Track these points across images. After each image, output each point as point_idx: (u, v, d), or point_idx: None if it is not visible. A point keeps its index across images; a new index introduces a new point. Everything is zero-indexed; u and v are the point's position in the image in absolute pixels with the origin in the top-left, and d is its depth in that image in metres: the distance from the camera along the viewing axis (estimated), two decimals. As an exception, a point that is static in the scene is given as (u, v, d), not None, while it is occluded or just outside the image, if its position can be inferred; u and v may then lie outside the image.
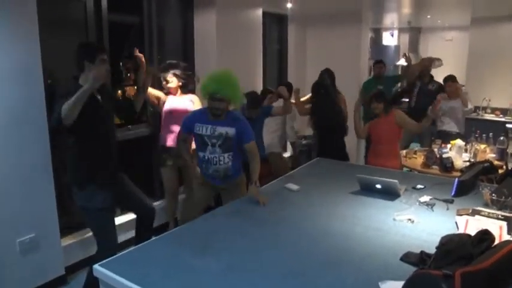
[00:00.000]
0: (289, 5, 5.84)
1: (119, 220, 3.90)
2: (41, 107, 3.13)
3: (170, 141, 4.01)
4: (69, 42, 3.85)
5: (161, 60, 4.52)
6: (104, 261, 1.99)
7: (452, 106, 5.33)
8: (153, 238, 2.42)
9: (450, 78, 5.43)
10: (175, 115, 3.95)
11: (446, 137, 5.15)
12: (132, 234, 3.40)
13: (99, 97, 2.79)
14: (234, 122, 3.04)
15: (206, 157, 3.07)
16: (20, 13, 2.95)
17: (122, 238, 3.63)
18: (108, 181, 2.85)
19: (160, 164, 4.16)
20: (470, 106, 5.38)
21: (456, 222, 2.37)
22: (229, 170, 3.12)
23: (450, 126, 5.40)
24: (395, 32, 10.37)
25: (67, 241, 3.58)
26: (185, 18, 4.84)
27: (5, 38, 2.88)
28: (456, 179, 2.92)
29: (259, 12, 5.35)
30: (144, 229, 3.22)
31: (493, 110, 7.60)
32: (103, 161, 2.84)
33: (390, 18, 8.87)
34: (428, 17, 8.29)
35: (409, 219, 2.46)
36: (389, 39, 10.44)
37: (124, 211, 3.99)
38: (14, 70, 2.95)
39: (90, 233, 3.68)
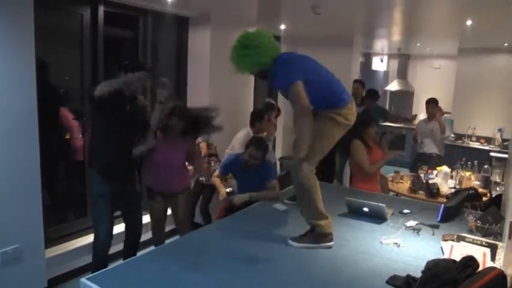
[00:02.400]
0: (282, 27, 5.94)
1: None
2: (33, 117, 3.12)
3: (160, 186, 3.45)
4: (65, 53, 3.91)
5: (154, 75, 4.55)
6: (92, 275, 1.98)
7: (431, 129, 5.50)
8: (143, 252, 2.41)
9: (433, 102, 5.61)
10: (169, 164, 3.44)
11: (428, 160, 5.28)
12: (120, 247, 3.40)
13: (128, 106, 3.08)
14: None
15: None
16: (16, 23, 2.96)
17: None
18: (111, 173, 3.08)
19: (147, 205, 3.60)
20: (448, 133, 5.51)
21: (441, 248, 2.41)
22: None
23: (430, 148, 5.54)
24: (385, 58, 10.56)
25: (51, 253, 3.53)
26: (180, 35, 4.89)
27: (1, 47, 2.89)
28: (442, 205, 2.97)
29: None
30: (130, 244, 3.37)
31: (478, 138, 7.74)
32: (110, 155, 3.07)
33: (380, 44, 9.05)
34: (418, 44, 8.48)
35: (396, 243, 2.49)
36: (378, 65, 10.62)
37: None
38: (7, 81, 2.95)
39: (75, 245, 3.68)
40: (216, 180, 3.75)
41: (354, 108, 2.55)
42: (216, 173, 3.82)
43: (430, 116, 5.62)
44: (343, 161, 5.62)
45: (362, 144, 3.99)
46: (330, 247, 2.43)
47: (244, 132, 4.59)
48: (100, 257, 3.15)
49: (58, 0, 3.62)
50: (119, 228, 3.50)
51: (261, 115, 4.70)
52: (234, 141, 4.58)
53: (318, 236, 2.45)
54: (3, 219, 3.01)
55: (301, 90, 2.30)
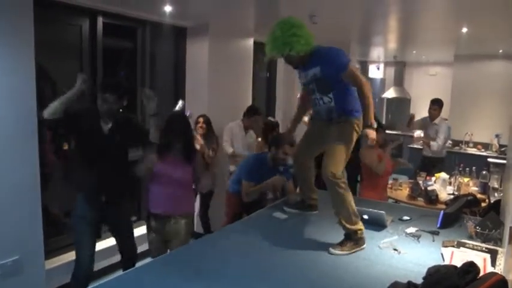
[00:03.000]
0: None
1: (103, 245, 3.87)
2: (33, 128, 3.13)
3: (161, 206, 3.13)
4: (64, 64, 3.93)
5: (152, 86, 4.58)
6: (93, 286, 1.97)
7: (436, 130, 5.43)
8: (141, 264, 2.41)
9: (437, 103, 5.47)
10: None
11: (435, 163, 5.27)
12: (116, 258, 3.37)
13: (107, 126, 2.95)
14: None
15: None
16: (17, 35, 2.98)
17: (105, 263, 3.59)
18: (91, 197, 3.00)
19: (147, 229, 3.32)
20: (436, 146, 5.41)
21: (442, 254, 2.42)
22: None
23: (435, 152, 5.48)
24: (381, 66, 10.63)
25: (51, 264, 3.52)
26: (178, 45, 4.93)
27: (1, 59, 2.91)
28: (441, 212, 2.98)
29: (250, 42, 5.47)
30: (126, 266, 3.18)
31: (476, 145, 7.78)
32: (89, 180, 2.97)
33: (377, 52, 9.12)
34: (414, 52, 8.54)
35: (396, 250, 2.50)
36: (375, 72, 10.68)
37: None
38: (8, 91, 2.96)
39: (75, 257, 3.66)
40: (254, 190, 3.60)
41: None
42: (246, 186, 3.55)
43: (432, 117, 5.49)
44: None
45: (368, 149, 4.08)
46: (363, 248, 2.52)
47: (233, 124, 4.75)
48: (80, 281, 3.02)
49: (57, 12, 3.65)
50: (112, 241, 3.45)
51: (255, 112, 4.76)
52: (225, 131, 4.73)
53: (357, 240, 2.52)
54: (3, 231, 3.01)
55: (355, 69, 2.56)
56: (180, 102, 4.06)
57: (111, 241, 3.84)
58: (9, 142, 3.00)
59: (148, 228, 3.25)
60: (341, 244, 2.50)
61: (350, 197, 2.56)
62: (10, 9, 2.92)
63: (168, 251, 3.11)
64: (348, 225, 2.53)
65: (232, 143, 4.71)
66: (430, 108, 5.52)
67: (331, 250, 2.46)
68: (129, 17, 4.21)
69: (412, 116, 5.64)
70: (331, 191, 2.55)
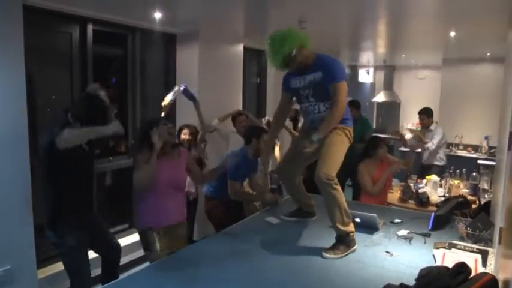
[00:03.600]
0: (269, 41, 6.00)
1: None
2: (23, 137, 3.11)
3: (163, 219, 2.88)
4: (54, 72, 3.92)
5: (143, 92, 4.58)
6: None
7: (432, 135, 5.47)
8: (137, 270, 2.40)
9: (424, 112, 5.56)
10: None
11: (432, 170, 5.29)
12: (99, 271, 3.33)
13: (85, 146, 2.84)
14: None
15: None
16: (6, 42, 2.96)
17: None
18: (81, 222, 2.89)
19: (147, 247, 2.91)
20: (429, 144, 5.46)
21: (434, 255, 2.44)
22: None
23: (431, 159, 5.53)
24: (371, 70, 10.69)
25: (43, 273, 3.49)
26: (168, 52, 4.94)
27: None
28: (433, 214, 3.01)
29: (240, 47, 5.49)
30: (111, 269, 3.19)
31: (465, 147, 7.86)
32: (77, 204, 2.90)
33: (366, 56, 9.16)
34: (403, 56, 8.61)
35: (388, 252, 2.52)
36: (365, 77, 10.74)
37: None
38: (-1, 100, 2.94)
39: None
40: (246, 190, 3.75)
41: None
42: (237, 186, 3.56)
43: (425, 127, 5.58)
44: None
45: (366, 168, 4.18)
46: (355, 250, 2.57)
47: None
48: None
49: (47, 20, 3.64)
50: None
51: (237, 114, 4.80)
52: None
53: (349, 243, 2.56)
54: (-6, 241, 2.98)
55: (344, 89, 2.62)
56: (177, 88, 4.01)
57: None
58: (1, 152, 2.98)
59: (147, 245, 2.87)
60: (333, 248, 2.53)
61: (342, 199, 2.59)
62: (-1, 14, 2.91)
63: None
64: (340, 227, 2.56)
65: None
66: (420, 120, 5.64)
67: (324, 254, 2.48)
68: (119, 24, 4.21)
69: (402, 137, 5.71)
70: (324, 192, 2.56)
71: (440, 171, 5.28)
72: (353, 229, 2.61)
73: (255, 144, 3.59)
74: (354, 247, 2.57)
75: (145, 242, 2.87)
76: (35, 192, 3.24)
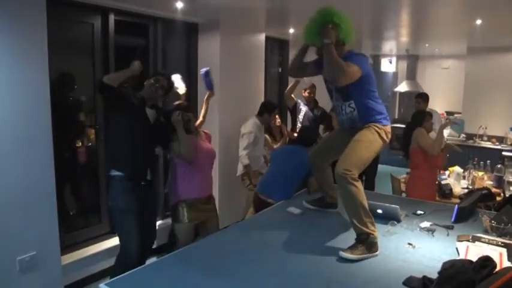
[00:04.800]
0: (291, 31, 5.96)
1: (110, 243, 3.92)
2: (47, 126, 3.18)
3: (195, 192, 3.42)
4: (77, 62, 3.97)
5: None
6: (110, 280, 2.01)
7: None
8: (159, 258, 2.44)
9: (420, 96, 5.43)
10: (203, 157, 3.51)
11: None
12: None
13: (151, 111, 3.14)
14: None
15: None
16: (30, 34, 3.03)
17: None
18: (139, 185, 3.07)
19: (176, 219, 3.44)
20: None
21: (457, 248, 2.40)
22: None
23: None
24: (394, 59, 10.53)
25: (67, 260, 3.57)
26: (190, 42, 4.95)
27: (16, 57, 2.96)
28: (456, 206, 2.96)
29: (262, 37, 5.47)
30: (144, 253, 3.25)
31: (490, 138, 7.69)
32: (140, 164, 3.08)
33: (389, 46, 9.02)
34: (426, 45, 8.44)
35: (410, 244, 2.49)
36: (387, 66, 10.58)
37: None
38: (22, 90, 3.01)
39: (90, 252, 3.72)
40: None
41: (390, 130, 2.71)
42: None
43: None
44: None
45: (424, 130, 4.13)
46: (376, 256, 2.37)
47: (251, 123, 4.66)
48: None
49: (69, 11, 3.67)
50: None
51: (273, 108, 4.75)
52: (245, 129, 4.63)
53: (370, 245, 2.37)
54: (20, 227, 3.07)
55: (356, 73, 2.48)
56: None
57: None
58: (25, 140, 3.05)
59: (176, 217, 3.38)
60: (352, 247, 2.37)
61: (361, 195, 2.45)
62: (23, 7, 2.95)
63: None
64: (358, 225, 2.41)
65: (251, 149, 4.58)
66: (415, 103, 5.47)
67: (341, 253, 2.34)
68: (140, 14, 4.23)
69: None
70: (340, 186, 2.47)
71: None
72: (374, 231, 2.42)
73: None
74: (376, 252, 2.37)
75: (175, 216, 3.38)
76: (58, 181, 3.32)
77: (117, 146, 3.05)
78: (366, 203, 2.46)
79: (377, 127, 2.60)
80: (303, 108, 5.26)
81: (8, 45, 2.90)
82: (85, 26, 3.86)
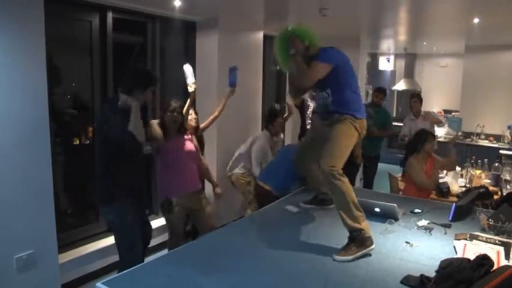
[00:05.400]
0: (289, 28, 5.94)
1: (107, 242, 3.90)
2: (45, 124, 3.16)
3: (180, 188, 3.44)
4: (74, 60, 3.96)
5: (163, 80, 4.59)
6: (107, 279, 2.00)
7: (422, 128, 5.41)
8: (157, 256, 2.44)
9: (416, 96, 5.60)
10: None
11: None
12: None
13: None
14: None
15: None
16: (28, 31, 3.00)
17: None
18: (139, 200, 3.04)
19: (167, 212, 3.46)
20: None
21: (454, 247, 2.41)
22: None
23: None
24: (392, 58, 10.53)
25: (64, 258, 3.57)
26: (187, 40, 4.93)
27: (13, 54, 2.94)
28: (454, 204, 2.97)
29: (260, 35, 5.45)
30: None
31: (487, 136, 7.70)
32: (139, 179, 3.06)
33: (387, 44, 9.03)
34: (424, 43, 8.44)
35: (408, 243, 2.50)
36: (385, 64, 10.59)
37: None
38: (20, 88, 2.99)
39: (88, 250, 3.71)
40: None
41: (365, 125, 2.73)
42: None
43: (416, 113, 5.55)
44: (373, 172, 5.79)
45: (417, 161, 3.97)
46: (372, 250, 2.36)
47: (264, 138, 4.65)
48: None
49: (67, 9, 3.66)
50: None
51: (273, 116, 4.73)
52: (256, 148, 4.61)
53: (362, 241, 2.34)
54: (18, 225, 3.05)
55: (320, 70, 2.56)
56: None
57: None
58: (21, 139, 3.03)
59: (165, 210, 3.42)
60: (345, 248, 2.35)
61: (350, 189, 2.45)
62: (21, 5, 2.94)
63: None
64: (350, 222, 2.39)
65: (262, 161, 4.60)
66: (410, 103, 5.62)
67: (335, 257, 2.30)
68: (138, 11, 4.22)
69: (402, 138, 5.62)
70: (328, 184, 2.47)
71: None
72: (365, 226, 2.39)
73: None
74: (371, 246, 2.36)
75: (165, 210, 3.40)
76: (55, 179, 3.31)
77: (117, 168, 2.92)
78: (355, 197, 2.45)
79: (352, 120, 2.62)
80: (311, 104, 5.28)
81: (5, 43, 2.88)
82: (83, 23, 3.85)
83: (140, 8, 4.17)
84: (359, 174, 6.17)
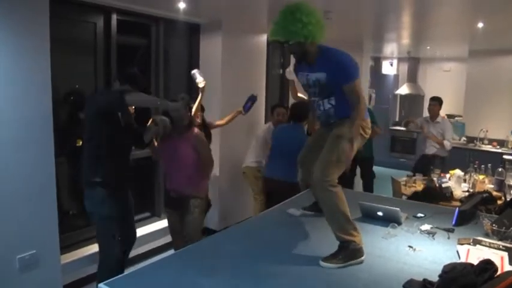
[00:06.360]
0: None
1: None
2: (49, 125, 3.18)
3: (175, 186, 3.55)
4: (79, 61, 3.97)
5: (166, 82, 4.60)
6: (109, 280, 2.00)
7: (438, 130, 5.43)
8: (160, 258, 2.43)
9: (437, 99, 5.58)
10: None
11: (431, 161, 5.25)
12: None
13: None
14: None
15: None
16: (33, 32, 3.03)
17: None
18: (121, 190, 3.01)
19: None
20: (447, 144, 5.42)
21: (457, 251, 2.39)
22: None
23: (432, 149, 5.48)
24: (395, 62, 10.53)
25: (66, 259, 3.57)
26: (191, 42, 4.95)
27: (18, 55, 2.96)
28: (457, 209, 2.95)
29: (264, 37, 5.46)
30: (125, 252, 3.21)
31: (490, 141, 7.69)
32: (121, 169, 3.02)
33: (390, 48, 9.03)
34: (428, 47, 8.44)
35: (411, 247, 2.49)
36: (388, 69, 10.59)
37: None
38: (24, 88, 3.01)
39: (90, 251, 3.71)
40: None
41: (370, 125, 2.59)
42: None
43: (433, 116, 5.56)
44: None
45: None
46: (361, 262, 2.29)
47: (264, 128, 4.84)
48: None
49: (72, 10, 3.68)
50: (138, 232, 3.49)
51: (272, 109, 4.88)
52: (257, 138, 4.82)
53: (352, 252, 2.27)
54: (20, 225, 3.07)
55: (358, 86, 2.38)
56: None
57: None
58: (26, 139, 3.05)
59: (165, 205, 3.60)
60: (333, 256, 2.26)
61: (342, 201, 2.32)
62: (26, 6, 2.96)
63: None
64: (339, 234, 2.30)
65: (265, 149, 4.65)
66: (429, 105, 5.61)
67: (322, 263, 2.23)
68: (143, 14, 4.23)
69: (409, 120, 5.63)
70: (318, 194, 2.38)
71: (443, 163, 5.33)
72: (356, 238, 2.30)
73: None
74: (361, 258, 2.28)
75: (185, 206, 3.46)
76: (58, 180, 3.31)
77: (100, 154, 2.94)
78: (347, 209, 2.33)
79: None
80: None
81: (11, 44, 2.90)
82: (87, 25, 3.86)
83: (144, 10, 4.19)
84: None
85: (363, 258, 2.31)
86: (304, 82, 2.55)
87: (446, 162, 5.41)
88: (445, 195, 4.13)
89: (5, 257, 3.01)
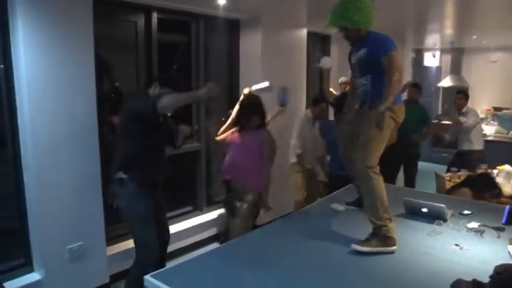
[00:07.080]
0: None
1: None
2: (93, 119, 3.29)
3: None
4: (121, 60, 4.07)
5: (207, 78, 4.64)
6: (156, 272, 2.06)
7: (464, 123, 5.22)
8: (205, 251, 2.48)
9: (462, 92, 5.47)
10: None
11: (468, 157, 5.08)
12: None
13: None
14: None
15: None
16: (78, 33, 3.13)
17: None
18: (151, 188, 2.96)
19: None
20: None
21: (509, 252, 2.30)
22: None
23: (466, 144, 5.27)
24: (437, 53, 10.21)
25: (112, 250, 3.69)
26: (231, 38, 4.96)
27: (65, 55, 3.07)
28: (507, 207, 2.84)
29: (303, 32, 5.42)
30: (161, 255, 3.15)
31: (541, 135, 7.35)
32: (153, 168, 2.99)
33: (432, 39, 8.75)
34: (474, 37, 8.12)
35: (457, 245, 2.42)
36: (430, 60, 10.29)
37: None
38: (71, 86, 3.12)
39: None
40: None
41: (403, 110, 2.60)
42: None
43: (459, 109, 5.34)
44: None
45: None
46: (393, 252, 2.35)
47: (303, 116, 4.73)
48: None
49: (114, 10, 3.76)
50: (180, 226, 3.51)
51: (315, 101, 4.72)
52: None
53: (383, 238, 2.37)
54: (69, 218, 3.20)
55: (396, 57, 2.43)
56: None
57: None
58: (72, 135, 3.16)
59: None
60: (365, 240, 2.39)
61: (380, 190, 2.43)
62: (72, 6, 3.07)
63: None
64: (374, 220, 2.42)
65: (302, 139, 4.58)
66: (455, 99, 5.42)
67: (353, 245, 2.35)
68: (182, 11, 4.28)
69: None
70: (362, 181, 2.47)
71: (481, 157, 5.11)
72: (392, 227, 2.41)
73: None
74: (392, 247, 2.36)
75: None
76: (103, 175, 3.42)
77: (134, 150, 2.92)
78: (385, 197, 2.44)
79: (390, 111, 2.45)
80: None
81: (58, 43, 3.01)
82: (129, 24, 3.94)
83: (184, 8, 4.23)
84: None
85: (394, 248, 2.35)
86: (353, 61, 2.69)
87: (484, 158, 5.17)
88: (495, 186, 3.96)
89: (57, 247, 3.16)
